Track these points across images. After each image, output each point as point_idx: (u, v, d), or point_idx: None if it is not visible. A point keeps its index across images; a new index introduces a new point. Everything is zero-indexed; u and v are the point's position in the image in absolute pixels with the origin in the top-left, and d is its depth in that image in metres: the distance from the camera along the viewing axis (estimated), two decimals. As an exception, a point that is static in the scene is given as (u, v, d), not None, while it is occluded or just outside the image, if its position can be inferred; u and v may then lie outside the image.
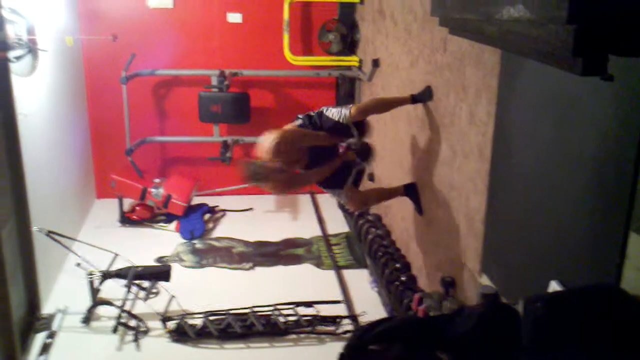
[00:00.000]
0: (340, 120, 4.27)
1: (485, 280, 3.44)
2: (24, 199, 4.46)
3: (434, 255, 4.44)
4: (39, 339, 4.51)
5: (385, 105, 4.85)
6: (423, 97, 4.45)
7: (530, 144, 2.97)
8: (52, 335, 4.56)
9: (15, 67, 4.51)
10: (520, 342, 1.85)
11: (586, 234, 2.48)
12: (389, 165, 5.54)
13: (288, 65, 6.74)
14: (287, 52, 6.65)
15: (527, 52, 2.02)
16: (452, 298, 3.74)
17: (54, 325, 4.65)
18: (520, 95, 3.07)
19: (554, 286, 2.57)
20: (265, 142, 3.98)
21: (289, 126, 4.29)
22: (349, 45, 6.81)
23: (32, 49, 4.83)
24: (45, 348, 4.43)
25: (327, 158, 4.30)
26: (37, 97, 5.18)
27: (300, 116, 4.36)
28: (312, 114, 4.36)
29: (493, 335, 1.90)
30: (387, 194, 4.88)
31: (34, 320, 4.59)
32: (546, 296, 2.38)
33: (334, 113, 4.30)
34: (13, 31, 4.55)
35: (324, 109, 4.37)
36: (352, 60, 6.72)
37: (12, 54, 4.44)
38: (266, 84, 7.10)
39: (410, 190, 4.68)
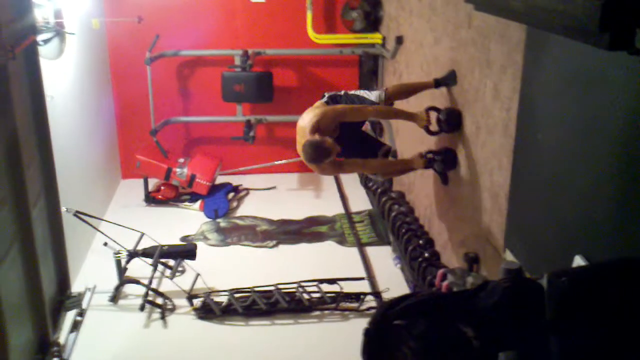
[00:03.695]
0: (376, 100, 4.40)
1: (509, 256, 3.44)
2: (53, 179, 4.52)
3: (458, 232, 4.44)
4: (69, 317, 4.61)
5: (409, 90, 4.86)
6: (447, 80, 4.47)
7: (556, 120, 2.95)
8: (81, 314, 4.65)
9: (43, 50, 4.54)
10: (544, 316, 1.86)
11: (611, 209, 2.47)
12: (411, 141, 5.52)
13: (311, 43, 6.73)
14: (310, 31, 6.64)
15: (553, 28, 2.00)
16: (476, 274, 3.74)
17: (84, 304, 4.75)
18: (545, 70, 3.04)
19: (578, 261, 2.56)
20: (306, 118, 4.12)
21: (317, 104, 4.34)
22: (373, 23, 6.76)
23: (59, 32, 4.87)
24: (76, 326, 4.53)
25: (355, 137, 4.46)
26: (64, 79, 5.24)
27: (326, 94, 4.43)
28: (340, 93, 4.46)
29: (517, 309, 1.91)
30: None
31: (64, 298, 4.67)
32: (571, 271, 2.37)
33: (366, 93, 4.46)
34: (40, 15, 4.59)
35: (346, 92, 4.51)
36: (375, 38, 6.68)
37: (40, 37, 4.48)
38: (289, 62, 7.09)
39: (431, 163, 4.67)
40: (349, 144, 4.39)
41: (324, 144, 4.00)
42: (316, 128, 4.05)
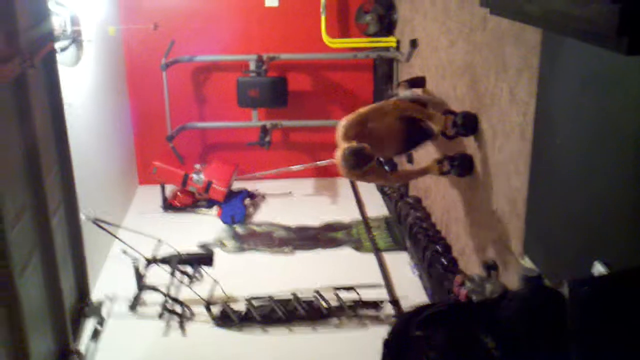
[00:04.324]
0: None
1: (527, 262, 3.41)
2: (72, 187, 4.55)
3: (475, 238, 4.41)
4: (89, 325, 4.63)
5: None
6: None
7: (573, 124, 2.92)
8: (101, 322, 4.68)
9: (60, 58, 4.58)
10: (565, 326, 1.84)
11: (631, 214, 2.44)
12: (427, 147, 5.49)
13: (325, 47, 6.73)
14: (324, 35, 6.64)
15: (570, 32, 1.97)
16: (494, 280, 3.70)
17: (103, 312, 4.77)
18: (562, 73, 3.01)
19: (598, 267, 2.53)
20: (339, 126, 4.09)
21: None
22: (387, 26, 6.74)
23: (76, 39, 4.91)
24: (95, 334, 4.55)
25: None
26: (81, 86, 5.28)
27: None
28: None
29: (538, 318, 1.89)
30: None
31: (84, 306, 4.70)
32: (592, 279, 2.34)
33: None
34: (58, 22, 4.63)
35: None
36: (389, 41, 6.66)
37: (57, 45, 4.51)
38: (304, 67, 7.10)
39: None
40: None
41: (363, 151, 3.91)
42: (348, 135, 4.00)
